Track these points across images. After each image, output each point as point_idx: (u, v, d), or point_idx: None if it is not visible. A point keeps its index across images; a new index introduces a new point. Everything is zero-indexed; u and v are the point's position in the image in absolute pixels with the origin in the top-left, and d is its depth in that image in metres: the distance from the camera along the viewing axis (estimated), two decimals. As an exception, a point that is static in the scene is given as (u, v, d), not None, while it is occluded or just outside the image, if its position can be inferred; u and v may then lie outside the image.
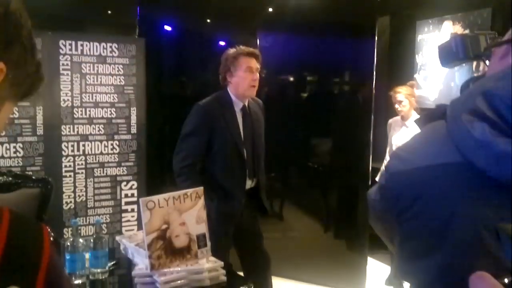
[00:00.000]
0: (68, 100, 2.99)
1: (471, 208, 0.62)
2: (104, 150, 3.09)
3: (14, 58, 0.58)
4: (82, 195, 3.04)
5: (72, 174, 3.01)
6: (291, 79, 4.27)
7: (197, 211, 1.87)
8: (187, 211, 1.84)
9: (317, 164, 4.18)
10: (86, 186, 3.05)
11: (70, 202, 3.01)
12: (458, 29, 4.02)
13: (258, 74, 2.66)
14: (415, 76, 4.56)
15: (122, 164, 3.15)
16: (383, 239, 0.86)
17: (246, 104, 2.72)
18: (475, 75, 0.76)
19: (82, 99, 3.03)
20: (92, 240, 1.94)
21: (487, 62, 0.75)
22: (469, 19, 3.91)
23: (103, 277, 1.93)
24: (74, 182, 3.02)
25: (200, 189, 1.90)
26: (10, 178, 2.39)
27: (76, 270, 1.86)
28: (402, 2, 4.70)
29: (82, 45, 3.01)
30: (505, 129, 0.58)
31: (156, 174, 3.66)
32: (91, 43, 3.04)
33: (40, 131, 2.92)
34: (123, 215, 3.17)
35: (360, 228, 3.68)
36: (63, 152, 2.98)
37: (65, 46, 2.97)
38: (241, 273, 2.66)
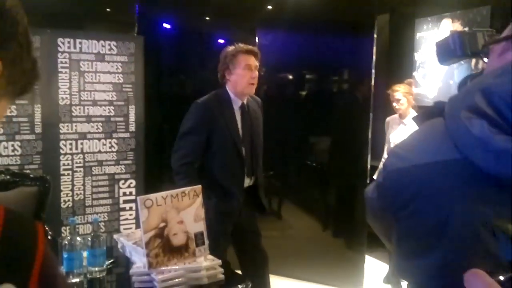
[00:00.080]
0: (66, 98, 2.98)
1: (469, 205, 0.62)
2: (103, 148, 3.09)
3: (10, 55, 0.58)
4: (80, 193, 3.04)
5: (70, 172, 3.00)
6: (290, 77, 4.27)
7: (195, 209, 1.87)
8: (185, 209, 1.84)
9: (316, 162, 4.17)
10: (84, 185, 3.04)
11: (68, 200, 3.00)
12: (457, 27, 4.01)
13: (257, 72, 2.66)
14: (414, 74, 4.56)
15: (121, 162, 3.15)
16: (380, 237, 0.86)
17: (245, 102, 2.72)
18: (473, 72, 0.76)
19: (81, 97, 3.02)
20: (89, 239, 1.93)
21: (485, 59, 0.74)
22: (468, 17, 3.91)
23: (101, 276, 1.92)
24: (72, 180, 3.01)
25: (198, 187, 1.90)
26: (8, 177, 2.39)
27: (73, 268, 1.86)
28: (401, 0, 4.70)
29: (80, 43, 3.01)
30: (504, 126, 0.58)
31: (154, 173, 3.66)
32: (90, 41, 3.03)
33: (38, 129, 2.91)
34: (121, 213, 3.17)
35: (358, 227, 3.68)
36: (61, 150, 2.98)
37: (63, 44, 2.96)
38: (239, 272, 2.66)
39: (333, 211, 4.12)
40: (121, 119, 3.14)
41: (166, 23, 4.29)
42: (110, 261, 2.02)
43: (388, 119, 3.78)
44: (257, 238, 2.82)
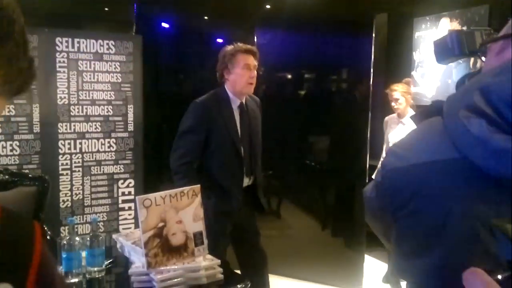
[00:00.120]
0: (64, 97, 2.98)
1: (468, 205, 0.62)
2: (101, 148, 3.08)
3: (6, 54, 0.57)
4: (79, 193, 3.03)
5: (69, 172, 3.00)
6: (289, 76, 4.27)
7: (194, 209, 1.87)
8: (183, 209, 1.84)
9: (315, 161, 4.17)
10: (83, 184, 3.04)
11: (67, 200, 3.00)
12: (456, 26, 4.02)
13: (255, 72, 2.65)
14: (413, 73, 4.56)
15: (119, 162, 3.15)
16: (379, 237, 0.86)
17: (244, 101, 2.71)
18: (472, 71, 0.76)
19: (79, 97, 3.02)
20: (88, 239, 1.93)
21: (483, 58, 0.74)
22: (467, 16, 3.91)
23: (100, 276, 1.92)
24: (71, 180, 3.01)
25: (197, 187, 1.90)
26: (7, 176, 2.39)
27: (72, 268, 1.86)
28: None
29: (78, 42, 3.00)
30: (503, 125, 0.58)
31: (153, 172, 3.66)
32: (88, 40, 3.03)
33: (36, 129, 2.90)
34: (120, 213, 3.17)
35: (357, 226, 3.68)
36: (59, 150, 2.97)
37: (61, 43, 2.96)
38: (238, 271, 2.66)
39: (332, 210, 4.12)
40: (119, 118, 3.14)
41: (165, 22, 4.29)
42: (109, 261, 2.02)
43: (386, 118, 3.78)
44: (256, 238, 2.82)
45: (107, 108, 3.09)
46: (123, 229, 3.07)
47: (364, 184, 3.41)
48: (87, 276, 1.91)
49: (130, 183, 3.18)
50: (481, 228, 0.60)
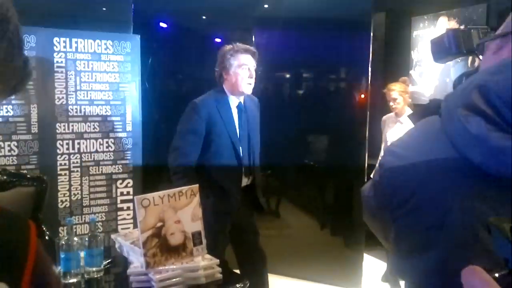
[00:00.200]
0: (62, 97, 2.97)
1: (467, 203, 0.62)
2: (99, 148, 3.08)
3: (1, 53, 0.57)
4: (78, 193, 3.03)
5: (67, 172, 2.99)
6: (287, 75, 4.26)
7: (193, 208, 1.86)
8: (182, 208, 1.84)
9: (313, 161, 4.17)
10: (81, 185, 3.03)
11: (66, 200, 2.99)
12: (454, 24, 4.02)
13: (254, 72, 2.65)
14: (411, 72, 4.56)
15: (118, 162, 3.14)
16: (377, 236, 0.85)
17: (242, 101, 2.71)
18: (469, 70, 0.76)
19: (77, 97, 3.01)
20: (87, 239, 1.93)
21: (480, 56, 0.74)
22: (464, 15, 3.91)
23: (98, 276, 1.92)
24: (69, 180, 3.00)
25: (195, 186, 1.89)
26: (5, 177, 2.38)
27: (71, 269, 1.85)
28: (397, -1, 4.70)
29: (76, 42, 2.99)
30: (501, 124, 0.58)
31: (152, 172, 3.65)
32: (86, 40, 3.02)
33: (34, 129, 2.90)
34: (118, 213, 3.16)
35: (356, 225, 3.68)
36: (58, 150, 2.96)
37: (59, 43, 2.95)
38: (237, 271, 2.66)
39: (331, 209, 4.12)
40: (118, 118, 3.13)
41: (163, 22, 4.28)
42: (107, 261, 2.01)
43: (384, 117, 3.79)
44: (255, 237, 2.82)
45: (105, 108, 3.09)
46: (122, 229, 3.06)
47: (363, 183, 3.40)
48: (85, 276, 1.90)
49: (128, 183, 3.17)
50: (479, 227, 0.60)
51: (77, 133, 3.02)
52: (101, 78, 3.07)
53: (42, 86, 2.89)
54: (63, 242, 1.86)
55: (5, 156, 2.82)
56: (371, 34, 3.56)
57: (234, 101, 2.68)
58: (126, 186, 3.17)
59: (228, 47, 2.66)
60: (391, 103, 3.57)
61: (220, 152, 2.63)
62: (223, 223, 2.63)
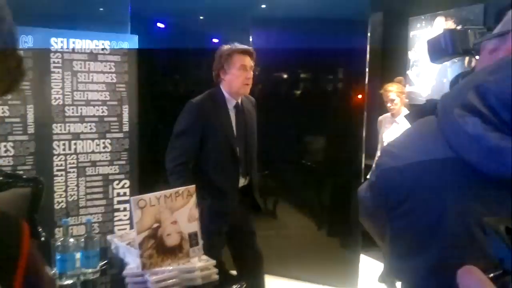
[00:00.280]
0: (59, 98, 2.96)
1: (463, 203, 0.62)
2: (96, 148, 3.07)
3: None
4: (74, 194, 3.02)
5: (63, 173, 2.98)
6: (284, 76, 4.26)
7: (189, 209, 1.86)
8: (178, 209, 1.83)
9: (310, 161, 4.17)
10: (77, 185, 3.02)
11: (62, 201, 2.99)
12: (451, 25, 4.03)
13: (252, 72, 2.65)
14: (408, 72, 4.57)
15: (114, 162, 3.13)
16: (373, 236, 0.85)
17: (239, 101, 2.71)
18: (466, 70, 0.76)
19: (74, 97, 3.00)
20: (83, 240, 1.92)
21: (476, 57, 0.74)
22: (461, 15, 3.92)
23: (94, 277, 1.91)
24: (66, 181, 2.99)
25: (192, 187, 1.89)
26: (1, 178, 2.37)
27: (66, 270, 1.85)
28: (394, -1, 4.71)
29: (73, 42, 2.99)
30: (497, 124, 0.58)
31: (148, 173, 3.64)
32: (83, 40, 3.02)
33: (31, 130, 2.89)
34: (115, 214, 3.15)
35: (353, 226, 3.68)
36: (54, 151, 2.96)
37: (56, 43, 2.95)
38: (234, 272, 2.65)
39: (328, 210, 4.12)
40: (114, 119, 3.12)
41: (160, 22, 4.28)
42: (103, 262, 2.01)
43: (380, 118, 3.79)
44: (252, 238, 2.82)
45: (102, 109, 3.08)
46: (119, 230, 3.06)
47: (360, 184, 3.40)
48: (81, 277, 1.89)
49: (125, 184, 3.17)
50: (475, 227, 0.60)
51: (73, 133, 3.01)
52: (98, 78, 3.07)
53: (39, 87, 2.88)
54: (59, 243, 1.85)
55: (1, 156, 2.81)
56: (368, 34, 3.56)
57: (231, 102, 2.68)
58: (122, 187, 3.16)
59: (225, 47, 2.66)
60: (388, 104, 3.57)
61: (217, 153, 2.62)
62: (220, 223, 2.63)
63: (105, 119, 3.09)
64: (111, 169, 3.12)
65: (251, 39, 3.85)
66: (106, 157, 3.11)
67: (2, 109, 2.79)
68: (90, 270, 1.90)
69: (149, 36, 4.09)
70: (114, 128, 3.12)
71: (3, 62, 0.59)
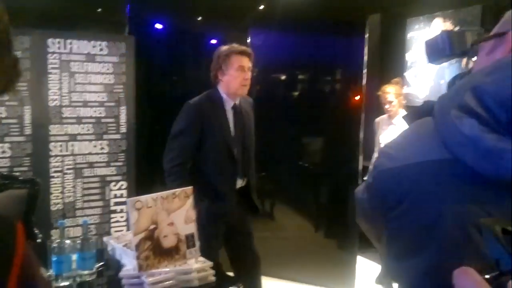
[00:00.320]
0: (56, 99, 2.95)
1: (459, 205, 0.62)
2: (93, 150, 3.06)
3: None
4: (71, 195, 3.01)
5: (60, 174, 2.97)
6: (282, 77, 4.26)
7: (186, 211, 1.85)
8: (175, 211, 1.82)
9: (308, 163, 4.17)
10: (74, 187, 3.01)
11: (58, 203, 2.97)
12: (448, 26, 4.04)
13: (250, 73, 2.65)
14: (405, 74, 4.57)
15: (111, 164, 3.12)
16: (370, 237, 0.85)
17: (237, 102, 2.71)
18: (463, 71, 0.76)
19: (71, 98, 2.99)
20: (79, 241, 1.91)
21: (474, 58, 0.74)
22: (459, 16, 3.93)
23: (91, 279, 1.90)
24: (63, 182, 2.98)
25: (189, 188, 1.88)
26: (-3, 179, 2.36)
27: (63, 271, 1.84)
28: (392, 0, 4.71)
29: (70, 43, 2.98)
30: (494, 125, 0.58)
31: (146, 174, 3.64)
32: (80, 41, 3.00)
33: (28, 131, 2.88)
34: (112, 215, 3.14)
35: (350, 227, 3.68)
36: (51, 152, 2.94)
37: (53, 44, 2.93)
38: (231, 273, 2.65)
39: (325, 212, 4.12)
40: (112, 120, 3.11)
41: (158, 23, 4.27)
42: (100, 264, 2.00)
43: (377, 119, 3.80)
44: (249, 239, 2.81)
45: (99, 110, 3.07)
46: (116, 231, 3.05)
47: (357, 185, 3.41)
48: (77, 279, 1.89)
49: (122, 185, 3.16)
50: (471, 228, 0.60)
51: (70, 135, 3.00)
52: (95, 79, 3.06)
53: (36, 88, 2.87)
54: (55, 245, 1.85)
55: (-3, 158, 2.80)
56: (366, 35, 3.57)
57: (229, 103, 2.67)
58: (119, 189, 3.15)
59: (223, 48, 2.66)
60: (386, 106, 3.58)
61: (214, 154, 2.62)
62: (217, 225, 2.62)
63: (102, 120, 3.08)
64: (108, 170, 3.11)
65: (249, 40, 3.85)
66: (103, 159, 3.09)
67: (-1, 110, 2.78)
68: (86, 272, 1.89)
69: (147, 37, 4.09)
70: (111, 129, 3.11)
71: None
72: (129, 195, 3.05)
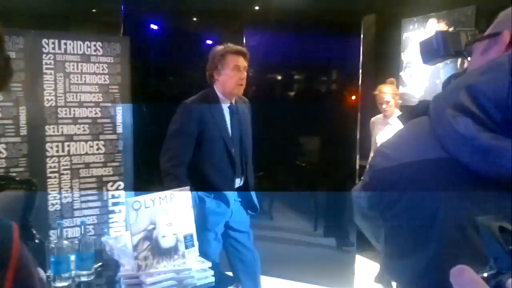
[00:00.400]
0: (52, 99, 2.95)
1: (456, 204, 0.62)
2: (90, 150, 3.05)
3: None
4: (68, 196, 3.00)
5: (57, 175, 2.97)
6: (278, 77, 4.27)
7: (184, 210, 1.86)
8: (174, 211, 1.83)
9: (305, 162, 4.18)
10: (71, 187, 3.01)
11: (56, 203, 2.97)
12: (443, 26, 4.05)
13: (245, 73, 2.65)
14: (401, 74, 4.59)
15: (108, 164, 3.12)
16: (368, 237, 0.86)
17: (233, 102, 2.71)
18: (458, 71, 0.77)
19: (66, 99, 2.98)
20: (77, 242, 1.91)
21: (468, 58, 0.75)
22: (454, 17, 3.95)
23: (89, 279, 1.90)
24: (59, 183, 2.97)
25: (187, 188, 1.89)
26: (-7, 180, 2.35)
27: (61, 272, 1.84)
28: (387, 0, 4.73)
29: (65, 44, 2.97)
30: (489, 124, 0.58)
31: (143, 174, 3.63)
32: (75, 42, 3.00)
33: (23, 132, 2.87)
34: (110, 216, 3.14)
35: (348, 226, 3.69)
36: (47, 153, 2.94)
37: (48, 45, 2.93)
38: (230, 273, 2.65)
39: (323, 211, 4.13)
40: (108, 120, 3.11)
41: (153, 23, 4.27)
42: (98, 264, 2.00)
43: (373, 119, 3.81)
44: (248, 239, 2.82)
45: (95, 110, 3.07)
46: (114, 232, 3.05)
47: (354, 185, 3.41)
48: (76, 280, 1.89)
49: (119, 185, 3.15)
50: (468, 227, 0.60)
51: (66, 135, 2.99)
52: (90, 80, 3.05)
53: (31, 88, 2.87)
54: (53, 245, 1.85)
55: (-7, 159, 2.79)
56: (361, 36, 3.58)
57: (225, 102, 2.68)
58: (117, 189, 3.15)
59: (219, 48, 2.66)
60: (383, 106, 3.59)
61: (212, 153, 2.62)
62: (216, 224, 2.62)
63: (98, 120, 3.08)
64: (105, 170, 3.11)
65: (244, 40, 3.86)
66: (100, 159, 3.09)
67: (-6, 111, 2.77)
68: (84, 272, 1.89)
69: (142, 37, 4.08)
70: (107, 129, 3.11)
71: None
72: (126, 196, 3.04)
